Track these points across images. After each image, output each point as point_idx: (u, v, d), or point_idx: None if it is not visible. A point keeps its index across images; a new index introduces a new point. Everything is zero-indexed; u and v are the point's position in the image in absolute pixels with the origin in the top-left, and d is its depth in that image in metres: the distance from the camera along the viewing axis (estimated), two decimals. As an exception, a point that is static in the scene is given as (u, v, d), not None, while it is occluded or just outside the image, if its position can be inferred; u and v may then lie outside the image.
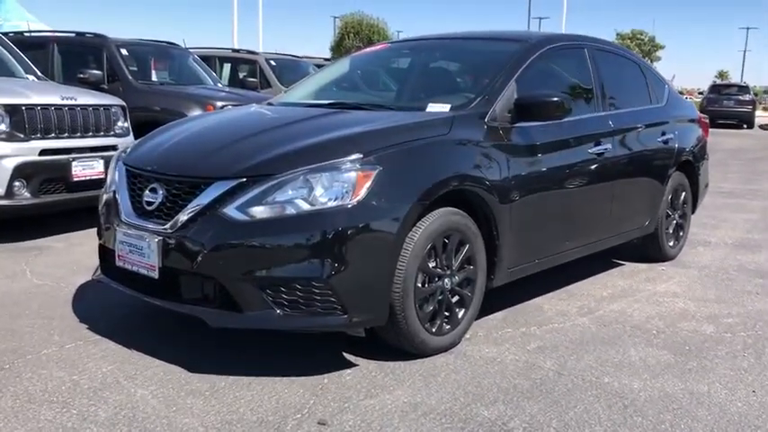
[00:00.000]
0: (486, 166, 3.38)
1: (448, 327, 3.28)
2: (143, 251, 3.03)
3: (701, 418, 2.71)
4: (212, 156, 3.14)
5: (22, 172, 5.19)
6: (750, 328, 3.82)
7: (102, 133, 5.85)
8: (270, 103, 4.32)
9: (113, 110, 6.03)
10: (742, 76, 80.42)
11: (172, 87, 8.11)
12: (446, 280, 3.23)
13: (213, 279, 2.92)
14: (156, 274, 3.00)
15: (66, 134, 5.54)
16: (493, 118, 3.53)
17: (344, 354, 3.23)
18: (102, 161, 5.75)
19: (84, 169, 5.61)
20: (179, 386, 2.86)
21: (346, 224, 2.82)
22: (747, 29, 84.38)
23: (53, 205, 5.57)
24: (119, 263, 3.18)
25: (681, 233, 5.47)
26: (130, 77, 7.91)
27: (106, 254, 3.43)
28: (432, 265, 3.14)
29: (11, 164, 5.13)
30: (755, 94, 34.34)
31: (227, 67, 11.36)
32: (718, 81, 42.81)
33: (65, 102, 5.57)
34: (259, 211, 2.85)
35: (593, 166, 4.16)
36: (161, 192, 3.08)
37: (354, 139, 3.09)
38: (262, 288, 2.83)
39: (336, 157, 2.92)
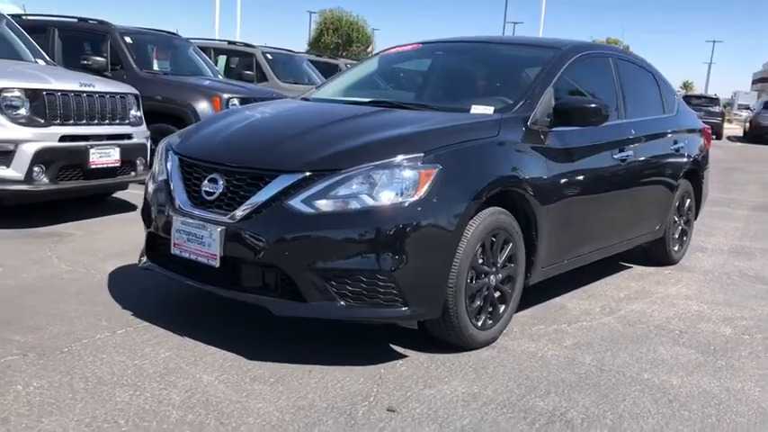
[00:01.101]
0: (530, 167, 3.51)
1: (491, 322, 3.41)
2: (203, 240, 3.09)
3: (742, 413, 2.87)
4: (274, 149, 3.21)
5: (41, 157, 5.16)
6: (765, 330, 4.01)
7: (117, 121, 5.84)
8: (305, 99, 4.39)
9: (128, 98, 6.02)
10: (707, 87, 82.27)
11: (176, 77, 8.09)
12: (491, 277, 3.35)
13: (276, 269, 3.00)
14: (216, 263, 3.06)
15: (85, 121, 5.53)
16: (534, 121, 3.66)
17: (392, 345, 3.33)
18: (118, 149, 5.76)
19: (101, 157, 5.61)
20: (242, 372, 2.93)
21: (410, 220, 2.92)
22: (714, 42, 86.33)
23: (70, 192, 5.57)
24: (174, 251, 3.22)
25: (684, 238, 5.68)
26: (135, 66, 7.88)
27: (156, 242, 3.48)
28: (480, 262, 3.26)
29: (31, 149, 5.10)
30: (724, 106, 35.25)
31: (222, 59, 11.33)
32: (686, 92, 43.80)
33: (83, 88, 5.55)
34: (324, 205, 2.94)
35: (617, 171, 4.33)
36: (221, 182, 3.14)
37: (414, 138, 3.19)
38: (326, 279, 2.92)
39: (399, 155, 3.02)
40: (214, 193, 3.15)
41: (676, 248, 5.55)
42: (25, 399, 2.57)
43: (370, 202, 2.93)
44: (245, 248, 3.00)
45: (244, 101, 7.78)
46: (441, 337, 3.27)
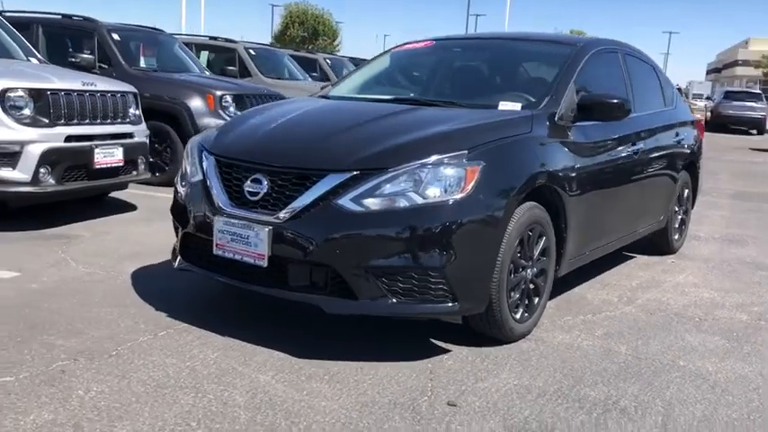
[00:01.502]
0: (560, 162, 3.59)
1: (527, 315, 3.48)
2: (249, 240, 3.09)
3: (779, 396, 3.00)
4: (317, 148, 3.22)
5: (48, 158, 5.07)
6: (777, 316, 4.17)
7: (119, 120, 5.77)
8: (325, 96, 4.39)
9: (128, 97, 5.94)
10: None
11: (166, 74, 7.98)
12: (528, 270, 3.42)
13: (325, 267, 3.02)
14: (264, 263, 3.06)
15: (88, 121, 5.45)
16: (560, 117, 3.74)
17: (433, 340, 3.38)
18: (121, 149, 5.69)
19: (105, 156, 5.53)
20: (295, 371, 2.94)
21: (458, 217, 2.97)
22: (670, 33, 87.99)
23: (75, 193, 5.49)
24: (217, 252, 3.22)
25: (683, 228, 5.85)
26: (124, 63, 7.75)
27: (192, 242, 3.47)
28: (518, 256, 3.32)
29: (38, 150, 5.01)
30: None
31: (203, 55, 11.20)
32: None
33: (86, 87, 5.47)
34: (373, 203, 2.97)
35: (631, 164, 4.44)
36: (265, 182, 3.14)
37: (456, 135, 3.24)
38: (377, 276, 2.95)
39: (444, 153, 3.06)
40: (258, 193, 3.15)
41: (677, 237, 5.70)
42: (91, 404, 2.55)
43: (418, 199, 2.96)
44: (295, 248, 3.02)
45: (237, 98, 7.76)
46: (481, 330, 3.33)
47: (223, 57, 11.07)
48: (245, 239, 3.11)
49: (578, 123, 3.86)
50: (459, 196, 2.99)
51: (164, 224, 5.68)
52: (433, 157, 3.04)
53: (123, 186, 6.11)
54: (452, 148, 3.09)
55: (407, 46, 4.87)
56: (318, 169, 3.06)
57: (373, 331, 3.44)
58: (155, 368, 2.90)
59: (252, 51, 10.89)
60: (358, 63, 15.32)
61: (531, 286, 3.51)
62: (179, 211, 3.60)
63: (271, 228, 3.04)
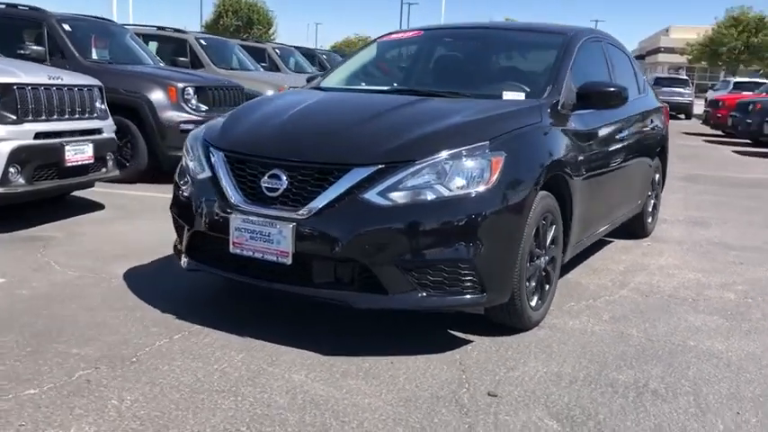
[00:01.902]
0: (567, 150, 3.64)
1: (540, 302, 3.52)
2: (271, 237, 3.02)
3: (792, 370, 3.13)
4: (336, 142, 3.16)
5: (17, 157, 4.82)
6: (761, 293, 4.34)
7: (86, 116, 5.53)
8: (318, 88, 4.31)
9: (94, 91, 5.70)
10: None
11: (123, 66, 7.70)
12: (542, 259, 3.46)
13: (352, 263, 2.98)
14: (289, 260, 3.00)
15: (56, 116, 5.20)
16: (562, 105, 3.79)
17: (452, 332, 3.38)
18: (91, 145, 5.46)
19: (76, 154, 5.30)
20: (326, 369, 2.90)
21: (485, 207, 2.98)
22: (596, 21, 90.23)
23: (45, 192, 5.26)
24: (234, 250, 3.13)
25: (655, 212, 6.03)
26: (78, 55, 7.43)
27: (201, 242, 3.37)
28: (534, 244, 3.36)
29: (6, 148, 4.76)
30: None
31: (152, 46, 10.81)
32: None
33: (52, 81, 5.22)
34: (399, 196, 2.94)
35: (619, 151, 4.54)
36: (284, 178, 3.06)
37: (476, 126, 3.24)
38: (407, 270, 2.93)
39: (467, 144, 3.06)
40: (277, 189, 3.07)
41: (650, 221, 5.88)
42: (129, 414, 2.45)
43: (445, 192, 2.95)
44: (321, 244, 2.96)
45: (199, 90, 7.55)
46: (501, 321, 3.36)
47: (171, 47, 10.73)
48: (266, 237, 3.03)
49: (577, 112, 3.92)
50: (485, 187, 2.99)
51: (139, 223, 5.52)
52: (457, 149, 3.03)
53: (92, 185, 5.86)
54: (475, 139, 3.09)
55: (394, 36, 4.83)
56: (342, 163, 3.01)
57: (390, 326, 3.42)
58: (182, 373, 2.80)
59: (203, 41, 10.60)
60: (305, 53, 15.16)
61: (544, 274, 3.55)
62: (182, 210, 3.48)
63: (294, 224, 2.97)
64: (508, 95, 3.77)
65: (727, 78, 32.30)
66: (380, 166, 2.97)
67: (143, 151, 7.27)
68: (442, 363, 3.02)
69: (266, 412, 2.51)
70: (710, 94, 26.55)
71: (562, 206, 3.66)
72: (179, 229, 3.57)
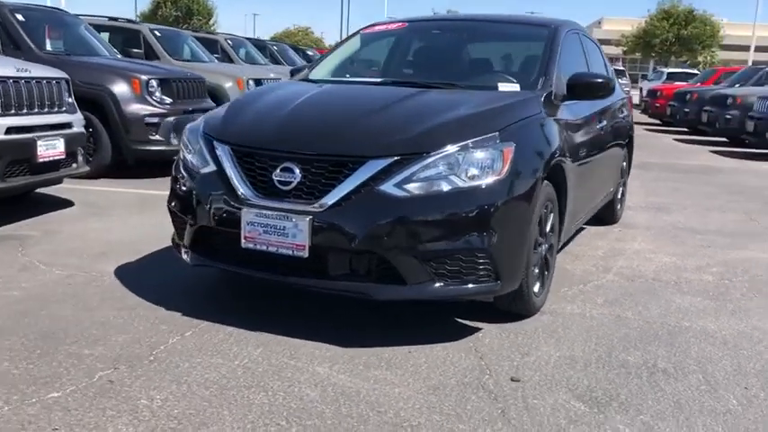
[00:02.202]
0: (562, 140, 3.73)
1: (541, 289, 3.61)
2: (286, 231, 3.00)
3: (783, 346, 3.31)
4: (349, 134, 3.17)
5: (-12, 153, 4.64)
6: (735, 274, 4.55)
7: (56, 109, 5.36)
8: (308, 80, 4.29)
9: (62, 84, 5.52)
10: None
11: (82, 58, 7.45)
12: (543, 246, 3.55)
13: (368, 254, 2.99)
14: (305, 254, 2.99)
15: (26, 110, 5.02)
16: (554, 96, 3.88)
17: (459, 320, 3.44)
18: (62, 140, 5.29)
19: (48, 149, 5.13)
20: (348, 361, 2.91)
21: (499, 197, 3.04)
22: (532, 13, 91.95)
23: (17, 189, 5.07)
24: (246, 245, 3.10)
25: (623, 199, 6.23)
26: (33, 47, 7.15)
27: (207, 237, 3.32)
28: (538, 232, 3.44)
29: (-23, 144, 4.57)
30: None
31: (104, 37, 10.47)
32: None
33: (21, 74, 5.03)
34: (416, 188, 2.97)
35: (600, 139, 4.68)
36: (297, 171, 3.05)
37: (485, 117, 3.30)
38: (426, 260, 2.96)
39: (479, 135, 3.11)
40: (290, 182, 3.05)
41: (619, 207, 6.08)
42: (164, 413, 2.41)
43: (460, 182, 2.99)
44: (339, 236, 2.96)
45: (163, 82, 7.38)
46: (507, 307, 3.43)
47: (123, 38, 10.42)
48: (282, 231, 3.02)
49: (565, 102, 4.02)
50: (498, 177, 3.05)
51: (113, 219, 5.39)
52: (470, 140, 3.08)
53: (61, 181, 5.68)
54: (485, 130, 3.14)
55: (377, 28, 4.84)
56: (358, 156, 3.01)
57: (395, 317, 3.45)
58: (205, 370, 2.77)
59: (157, 32, 10.34)
60: (256, 44, 14.96)
61: (544, 261, 3.64)
62: (185, 206, 3.41)
63: (311, 217, 2.97)
64: (504, 87, 3.84)
65: (660, 69, 33.38)
66: (396, 158, 2.99)
67: (106, 146, 7.08)
68: (459, 351, 3.07)
69: (301, 406, 2.51)
70: (646, 85, 27.38)
71: (558, 195, 3.76)
72: (180, 225, 3.51)
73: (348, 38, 4.91)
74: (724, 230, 5.93)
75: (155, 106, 7.17)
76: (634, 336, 3.36)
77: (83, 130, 5.68)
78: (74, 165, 5.55)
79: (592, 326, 3.47)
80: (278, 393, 2.60)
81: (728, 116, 13.90)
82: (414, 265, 2.96)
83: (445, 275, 3.00)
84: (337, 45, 4.78)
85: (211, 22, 40.11)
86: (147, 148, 7.17)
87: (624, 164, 6.10)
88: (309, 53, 19.07)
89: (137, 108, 7.06)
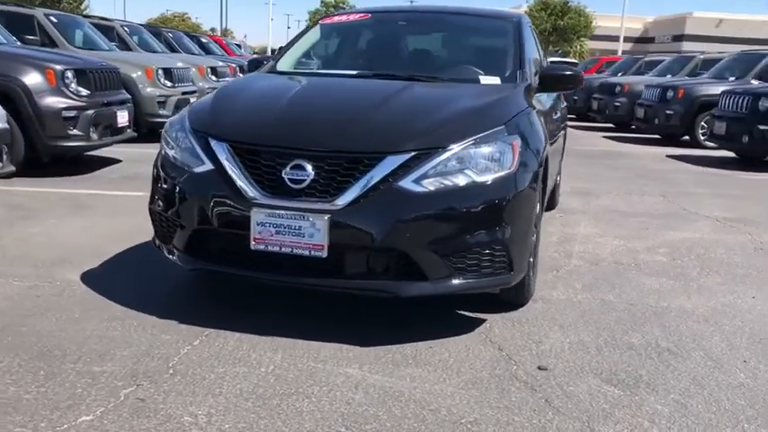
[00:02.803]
0: (544, 131, 3.83)
1: (534, 277, 3.71)
2: (302, 231, 2.91)
3: (755, 320, 3.56)
4: (359, 129, 3.10)
5: None
6: (682, 254, 4.86)
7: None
8: (276, 72, 4.15)
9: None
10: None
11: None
12: (535, 236, 3.64)
13: (387, 251, 2.96)
14: (323, 253, 2.91)
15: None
16: (533, 88, 3.98)
17: (460, 312, 3.47)
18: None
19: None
20: (374, 360, 2.87)
21: (512, 189, 3.08)
22: (411, 2, 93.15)
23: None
24: (257, 246, 2.97)
25: (559, 184, 6.49)
26: (-71, 34, 6.48)
27: (205, 240, 3.16)
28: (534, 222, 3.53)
29: None
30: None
31: (-8, 23, 9.60)
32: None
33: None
34: (433, 183, 2.96)
35: (557, 128, 4.87)
36: (310, 168, 2.95)
37: (490, 110, 3.33)
38: (446, 255, 2.96)
39: (488, 129, 3.13)
40: (303, 180, 2.95)
41: (558, 193, 6.33)
42: (214, 429, 2.28)
43: (475, 176, 3.01)
44: (359, 234, 2.90)
45: (79, 73, 6.89)
46: (509, 297, 3.49)
47: (13, 24, 9.58)
48: (297, 231, 2.92)
49: (537, 94, 4.13)
50: (509, 170, 3.08)
51: (49, 222, 5.02)
52: (481, 134, 3.09)
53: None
54: (493, 124, 3.17)
55: (337, 18, 4.75)
56: (376, 152, 2.96)
57: (395, 312, 3.43)
58: (234, 380, 2.64)
59: (53, 18, 9.61)
60: (152, 31, 14.26)
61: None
62: (174, 207, 3.22)
63: (329, 216, 2.89)
64: (485, 80, 3.89)
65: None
66: (414, 153, 2.96)
67: (19, 142, 6.53)
68: (476, 343, 3.10)
69: (351, 410, 2.45)
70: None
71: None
72: (167, 227, 3.31)
73: (307, 28, 4.80)
74: (653, 213, 6.31)
75: (72, 99, 6.68)
76: (626, 318, 3.52)
77: (7, 126, 5.23)
78: None
79: (584, 311, 3.60)
80: (322, 399, 2.52)
81: (617, 103, 14.78)
82: (435, 261, 2.95)
83: (464, 269, 3.02)
84: (298, 36, 4.64)
85: (83, 4, 37.82)
86: (65, 143, 6.67)
87: (563, 150, 6.35)
88: (203, 40, 18.42)
89: (52, 101, 6.55)
